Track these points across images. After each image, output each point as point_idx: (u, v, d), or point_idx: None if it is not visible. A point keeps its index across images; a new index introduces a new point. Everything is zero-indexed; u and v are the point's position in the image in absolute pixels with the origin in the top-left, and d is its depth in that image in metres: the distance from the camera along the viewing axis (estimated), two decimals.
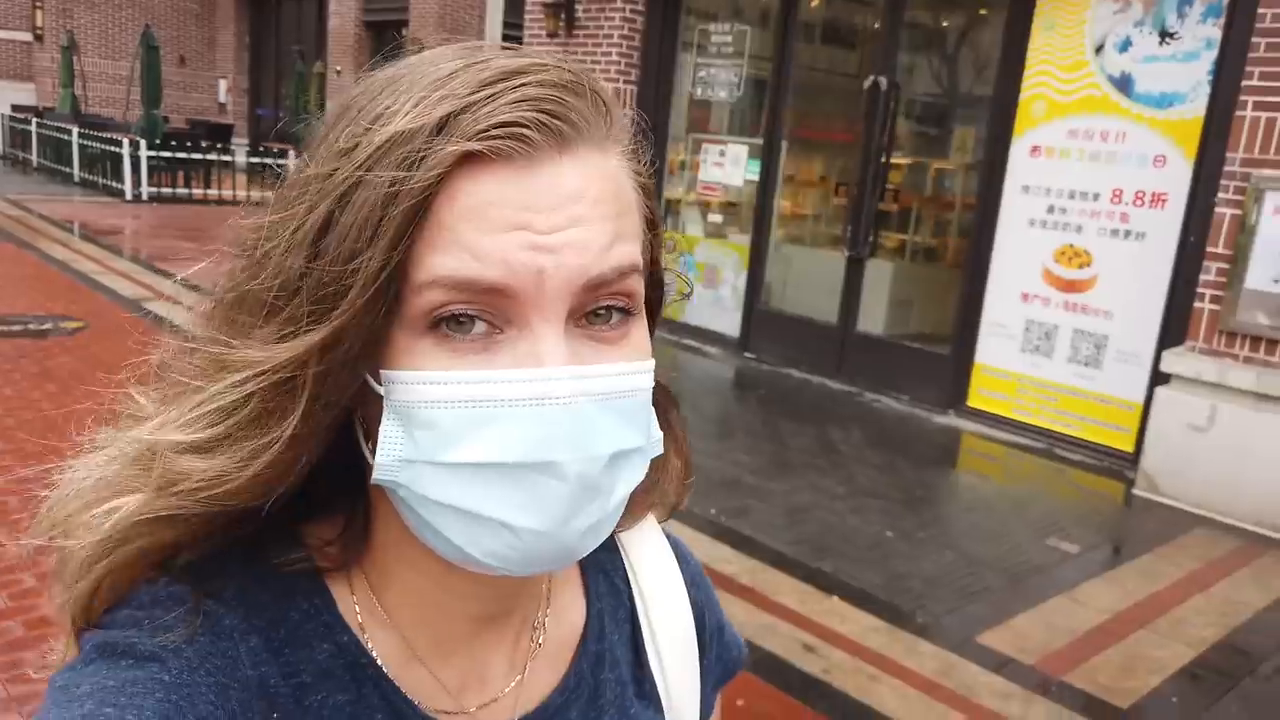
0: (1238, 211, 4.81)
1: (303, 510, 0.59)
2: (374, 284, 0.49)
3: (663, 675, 0.73)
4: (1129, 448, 5.49)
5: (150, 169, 13.34)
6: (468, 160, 0.50)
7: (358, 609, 0.61)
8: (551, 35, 8.29)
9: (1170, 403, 5.09)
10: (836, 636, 3.31)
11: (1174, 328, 5.26)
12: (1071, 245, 5.80)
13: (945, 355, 6.46)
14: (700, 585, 0.79)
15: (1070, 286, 5.84)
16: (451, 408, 0.51)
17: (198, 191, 13.94)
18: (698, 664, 0.76)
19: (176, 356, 0.58)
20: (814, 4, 7.51)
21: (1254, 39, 4.75)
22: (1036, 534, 4.49)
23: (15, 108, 17.87)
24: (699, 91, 7.95)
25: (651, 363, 0.57)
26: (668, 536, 0.79)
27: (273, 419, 0.52)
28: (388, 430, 0.52)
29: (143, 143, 13.13)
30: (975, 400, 6.32)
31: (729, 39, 7.68)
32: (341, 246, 0.50)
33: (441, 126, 0.49)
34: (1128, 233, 5.55)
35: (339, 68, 17.11)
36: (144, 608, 0.55)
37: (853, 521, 4.40)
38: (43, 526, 0.58)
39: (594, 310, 0.54)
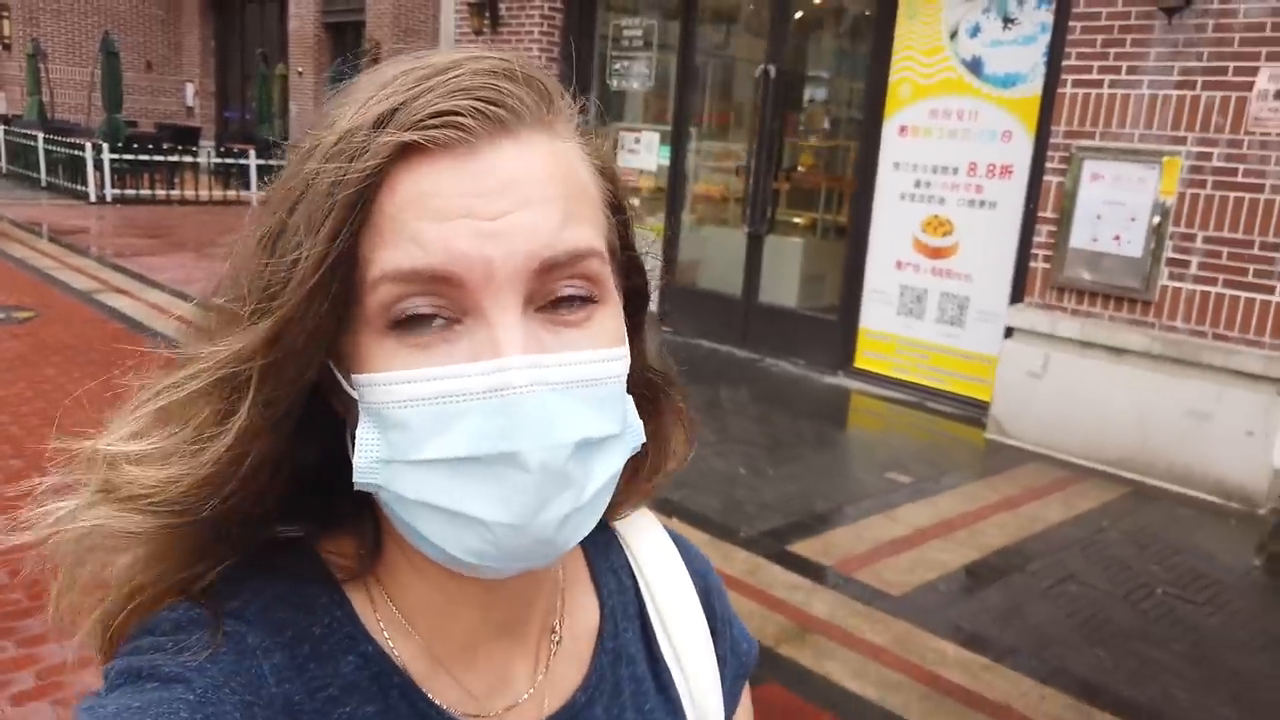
0: (1062, 179, 5.36)
1: (320, 527, 0.61)
2: (314, 274, 0.50)
3: (680, 669, 0.73)
4: (987, 397, 6.03)
5: (114, 171, 13.79)
6: (409, 152, 0.51)
7: (379, 619, 0.61)
8: (478, 33, 8.79)
9: (1013, 353, 5.65)
10: None
11: (1019, 286, 5.81)
12: (936, 215, 6.35)
13: (834, 321, 7.00)
14: (706, 577, 0.80)
15: (936, 253, 6.39)
16: (417, 405, 0.51)
17: (160, 193, 14.38)
18: (714, 656, 0.76)
19: (150, 369, 0.59)
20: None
21: (1071, 22, 5.29)
22: (879, 470, 5.04)
23: None
24: (615, 83, 8.47)
25: (622, 349, 0.57)
26: (670, 533, 0.79)
27: (218, 417, 0.53)
28: (364, 434, 0.53)
29: (105, 146, 13.58)
30: (861, 361, 6.86)
31: (639, 32, 8.20)
32: (289, 242, 0.51)
33: (379, 121, 0.51)
34: (982, 202, 6.10)
35: (300, 69, 17.54)
36: (166, 633, 0.55)
37: (715, 463, 4.93)
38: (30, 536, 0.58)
39: (557, 298, 0.54)
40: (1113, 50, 5.12)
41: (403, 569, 0.61)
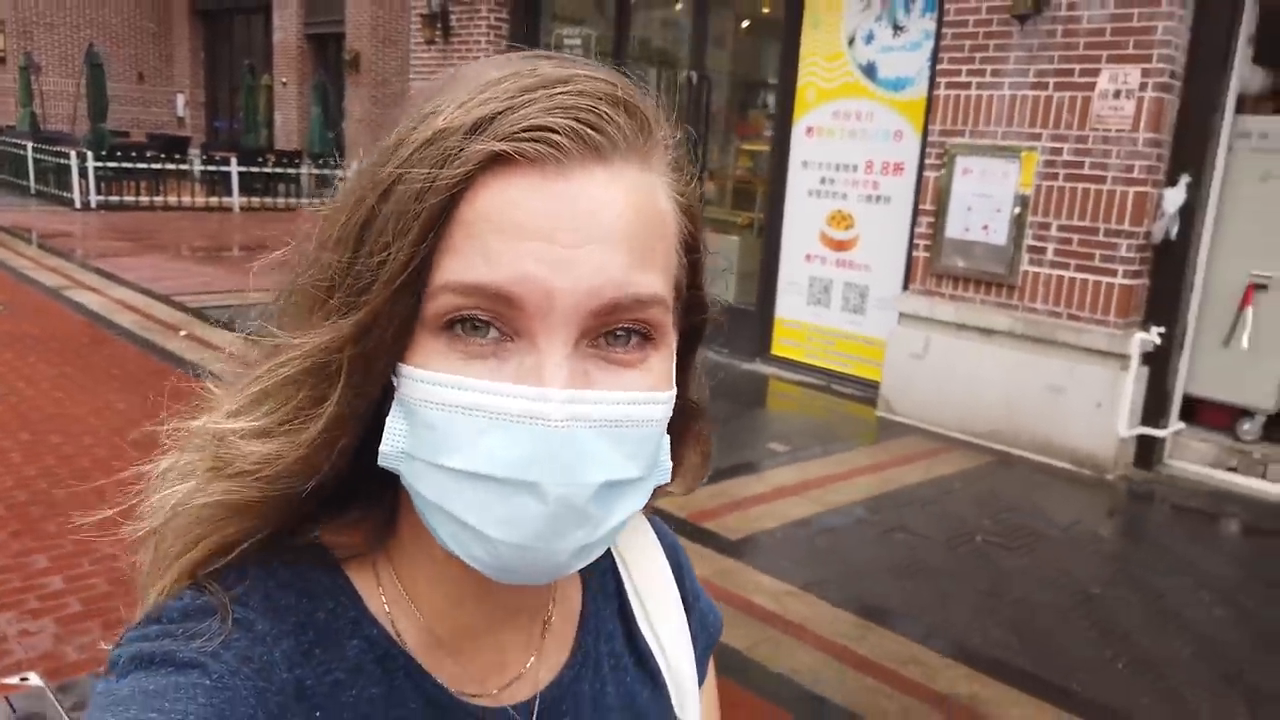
0: (939, 174, 5.79)
1: (319, 511, 0.61)
2: (400, 275, 0.51)
3: (657, 643, 0.75)
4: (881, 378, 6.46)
5: (100, 179, 14.30)
6: (499, 162, 0.50)
7: (384, 600, 0.61)
8: (430, 42, 9.27)
9: (899, 337, 6.08)
10: None
11: (908, 275, 6.24)
12: (839, 210, 6.79)
13: (753, 311, 7.44)
14: (677, 553, 0.82)
15: (840, 246, 6.83)
16: (448, 411, 0.51)
17: (145, 199, 14.89)
18: (687, 630, 0.78)
19: (243, 351, 0.61)
20: (647, 7, 8.51)
21: (943, 29, 5.74)
22: (763, 441, 5.47)
23: None
24: None
25: (669, 394, 0.56)
26: (644, 513, 0.79)
27: (311, 403, 0.55)
28: (393, 422, 0.54)
29: (89, 154, 14.10)
30: (777, 349, 7.30)
31: (579, 40, 8.67)
32: (378, 240, 0.51)
33: (476, 126, 0.50)
34: (878, 198, 6.54)
35: (284, 79, 18.08)
36: (175, 620, 0.55)
37: None
38: (144, 518, 0.60)
39: (612, 331, 0.53)
40: (978, 55, 5.56)
41: (416, 549, 0.61)
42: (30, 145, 15.40)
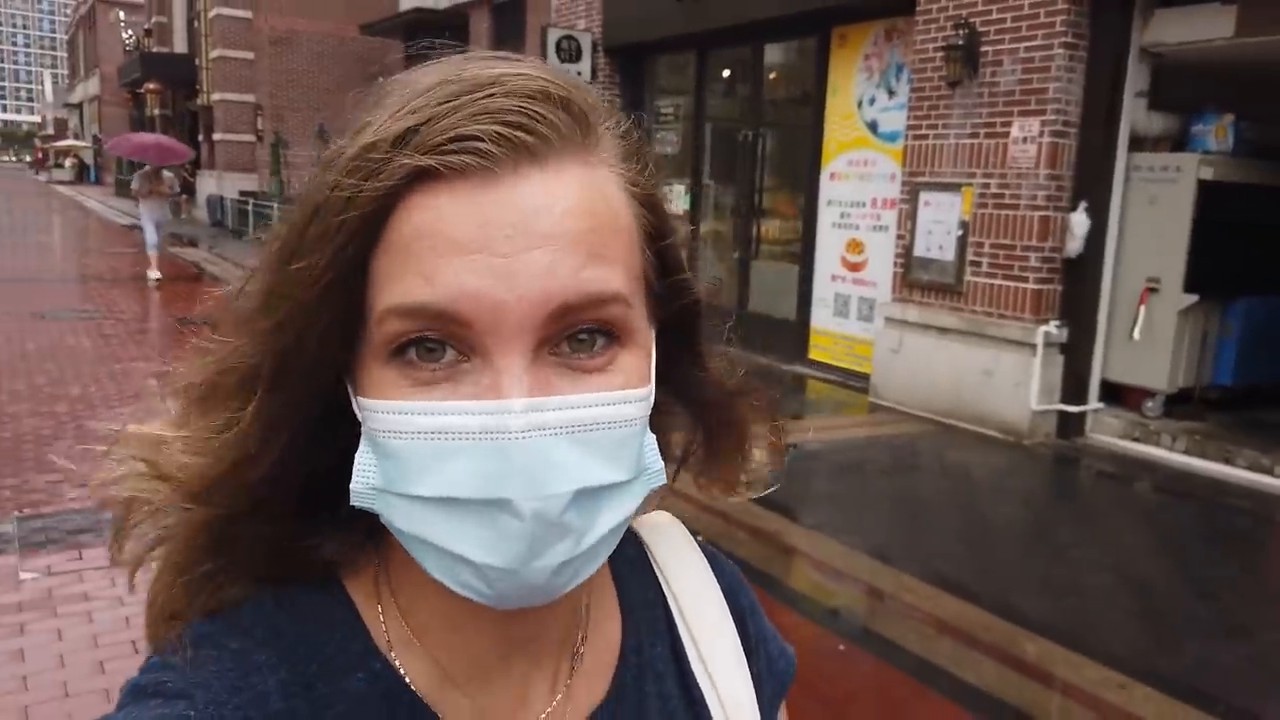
0: (908, 206, 7.32)
1: (334, 541, 0.60)
2: (315, 286, 0.50)
3: (712, 686, 0.70)
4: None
5: None
6: (426, 177, 0.48)
7: (388, 635, 0.60)
8: None
9: (883, 337, 7.59)
10: None
11: (893, 287, 7.74)
12: (854, 239, 8.37)
13: (794, 322, 9.07)
14: (740, 592, 0.76)
15: (855, 268, 8.39)
16: (410, 439, 0.50)
17: None
18: (748, 675, 0.72)
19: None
20: (717, 81, 10.42)
21: (911, 94, 7.30)
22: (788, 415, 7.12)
23: (241, 193, 23.19)
24: (657, 148, 10.97)
25: (642, 390, 0.53)
26: (702, 547, 0.76)
27: (234, 411, 0.55)
28: (362, 458, 0.53)
29: None
30: (813, 354, 8.89)
31: (671, 110, 10.69)
32: (304, 253, 0.51)
33: (400, 139, 0.48)
34: (881, 227, 8.09)
35: None
36: (175, 651, 0.56)
37: None
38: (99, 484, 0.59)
39: (574, 335, 0.51)
40: (933, 113, 7.09)
41: (415, 584, 0.59)
42: (276, 205, 19.19)
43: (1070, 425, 6.60)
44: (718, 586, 0.74)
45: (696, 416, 0.67)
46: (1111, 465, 6.17)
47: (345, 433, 0.55)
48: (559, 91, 0.51)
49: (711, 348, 0.66)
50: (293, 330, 0.51)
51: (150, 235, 13.37)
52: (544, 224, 0.49)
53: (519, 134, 0.49)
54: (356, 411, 0.53)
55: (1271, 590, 4.42)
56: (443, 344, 0.50)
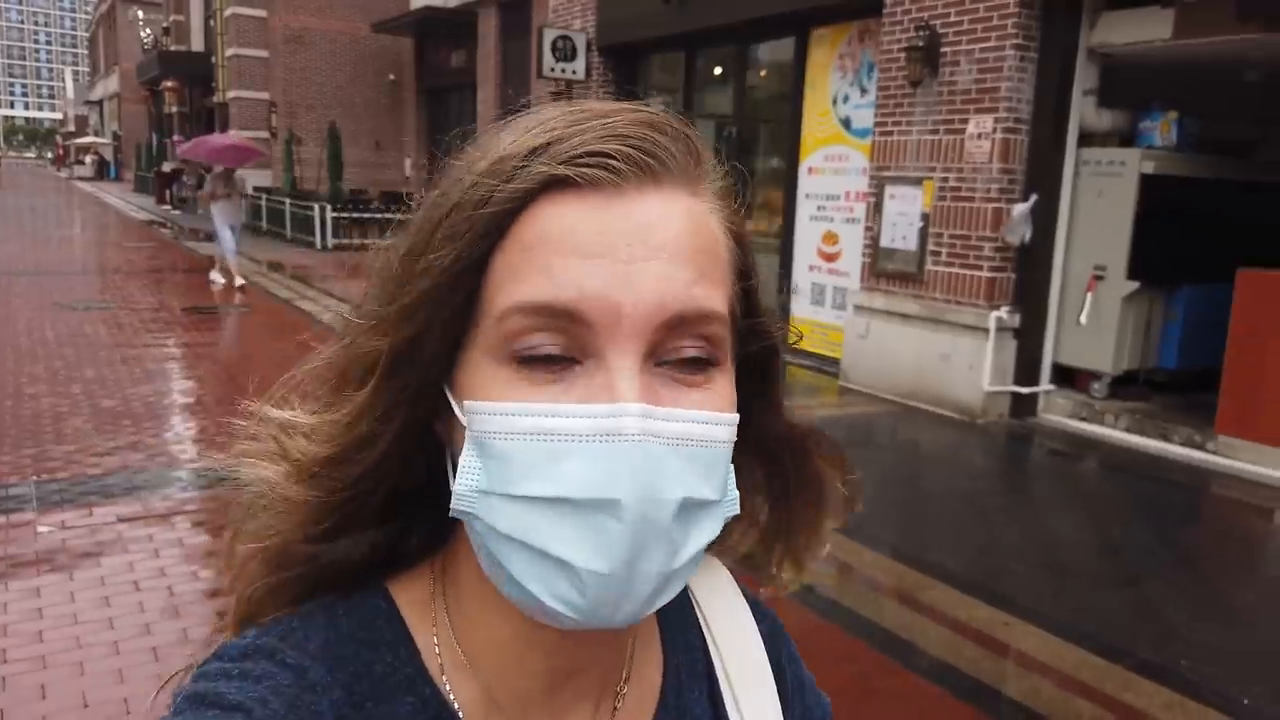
0: (876, 199, 7.69)
1: (395, 560, 0.63)
2: (444, 276, 0.53)
3: None
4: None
5: (336, 226, 18.22)
6: (556, 188, 0.52)
7: (440, 659, 0.61)
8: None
9: (851, 324, 7.97)
10: None
11: (862, 276, 8.12)
12: (829, 231, 8.75)
13: (775, 311, 9.44)
14: (779, 639, 0.77)
15: (830, 258, 8.78)
16: (521, 439, 0.51)
17: (370, 241, 18.66)
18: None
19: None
20: (711, 81, 10.80)
21: (878, 92, 7.67)
22: None
23: (255, 188, 23.75)
24: None
25: (732, 416, 0.56)
26: (744, 594, 0.77)
27: (353, 394, 0.57)
28: (467, 460, 0.53)
29: (328, 207, 18.04)
30: (792, 341, 9.25)
31: (662, 105, 11.04)
32: (436, 245, 0.54)
33: (534, 151, 0.52)
34: (853, 219, 8.47)
35: None
36: (233, 660, 0.56)
37: None
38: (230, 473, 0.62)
39: (680, 360, 0.53)
40: (897, 111, 7.46)
41: (475, 608, 0.60)
42: (288, 201, 19.70)
43: (1023, 406, 6.97)
44: (759, 633, 0.74)
45: (769, 469, 0.68)
46: (1058, 443, 6.54)
47: (432, 456, 0.59)
48: (676, 126, 0.56)
49: (784, 395, 0.67)
50: (418, 318, 0.54)
51: (228, 242, 12.37)
52: (661, 238, 0.52)
53: (644, 156, 0.53)
54: (460, 416, 0.54)
55: (1172, 549, 4.79)
56: (556, 356, 0.51)
